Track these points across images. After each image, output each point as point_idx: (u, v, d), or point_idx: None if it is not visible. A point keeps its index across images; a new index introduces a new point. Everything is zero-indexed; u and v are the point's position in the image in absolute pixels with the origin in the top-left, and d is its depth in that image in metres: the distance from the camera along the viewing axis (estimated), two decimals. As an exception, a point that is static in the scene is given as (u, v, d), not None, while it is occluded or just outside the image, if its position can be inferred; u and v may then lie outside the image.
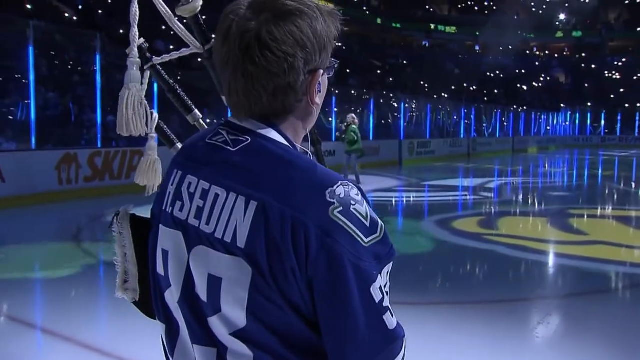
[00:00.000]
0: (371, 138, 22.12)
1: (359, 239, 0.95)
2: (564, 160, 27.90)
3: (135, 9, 1.16)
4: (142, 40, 1.26)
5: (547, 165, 24.41)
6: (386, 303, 0.98)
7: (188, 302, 1.03)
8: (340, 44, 36.58)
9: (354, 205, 0.96)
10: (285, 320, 0.97)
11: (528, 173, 20.65)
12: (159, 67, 1.35)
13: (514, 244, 7.80)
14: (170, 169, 1.11)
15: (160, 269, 1.09)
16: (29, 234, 8.18)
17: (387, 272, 1.01)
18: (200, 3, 1.22)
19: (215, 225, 0.99)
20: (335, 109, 21.01)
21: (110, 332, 4.51)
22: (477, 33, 54.74)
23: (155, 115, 1.35)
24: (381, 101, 26.25)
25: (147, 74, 1.31)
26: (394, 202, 12.94)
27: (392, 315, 1.00)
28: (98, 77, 12.51)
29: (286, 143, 1.03)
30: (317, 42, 1.01)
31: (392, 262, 1.01)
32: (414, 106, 28.53)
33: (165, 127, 1.42)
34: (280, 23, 0.97)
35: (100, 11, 18.48)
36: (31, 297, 5.49)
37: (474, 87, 45.23)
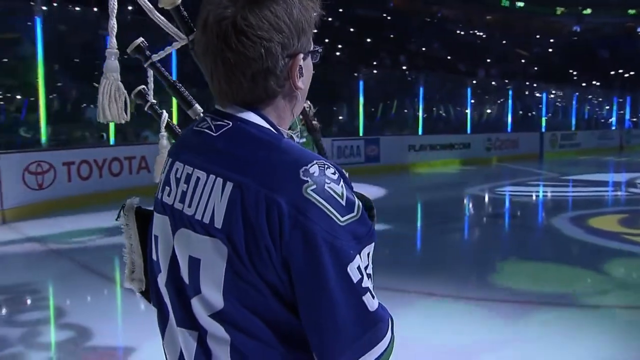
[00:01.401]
0: (509, 130, 21.17)
1: (334, 217, 0.94)
2: None
3: (113, 1, 1.21)
4: (141, 39, 1.32)
5: None
6: (366, 284, 0.96)
7: (173, 285, 1.06)
8: (480, 33, 35.34)
9: (329, 184, 0.95)
10: (262, 302, 0.97)
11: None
12: (157, 64, 1.39)
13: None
14: (166, 159, 1.15)
15: (154, 255, 1.13)
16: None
17: (368, 254, 0.99)
18: None
19: (195, 208, 1.01)
20: (472, 100, 20.37)
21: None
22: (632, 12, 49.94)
23: (165, 114, 1.40)
24: (526, 93, 25.00)
25: (151, 72, 1.36)
26: (529, 197, 12.31)
27: (374, 297, 0.98)
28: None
29: (267, 126, 1.04)
30: (294, 26, 1.01)
31: (372, 244, 1.00)
32: (559, 96, 26.82)
33: (174, 125, 1.46)
34: (255, 9, 0.98)
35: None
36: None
37: (631, 74, 41.43)
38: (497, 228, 9.06)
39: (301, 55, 1.04)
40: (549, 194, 12.82)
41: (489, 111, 22.47)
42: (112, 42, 1.22)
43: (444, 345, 4.11)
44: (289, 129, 1.15)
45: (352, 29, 26.19)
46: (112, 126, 10.27)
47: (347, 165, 14.34)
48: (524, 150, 20.21)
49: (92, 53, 10.29)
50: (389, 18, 29.85)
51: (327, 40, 21.72)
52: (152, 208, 1.19)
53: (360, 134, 15.81)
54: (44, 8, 9.28)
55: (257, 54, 0.98)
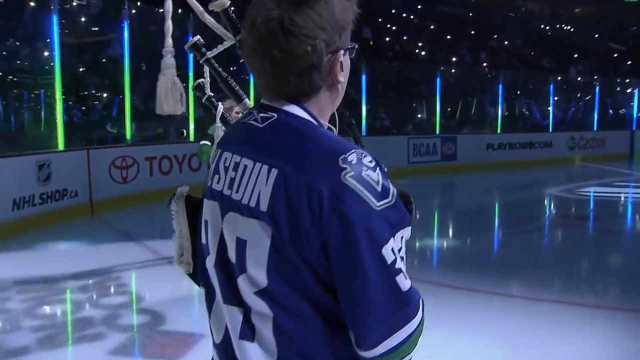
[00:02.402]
0: (595, 128, 20.21)
1: (369, 202, 1.00)
2: None
3: (169, 4, 1.28)
4: (198, 37, 1.40)
5: None
6: (399, 265, 1.03)
7: (221, 265, 1.14)
8: (568, 27, 33.86)
9: (366, 171, 1.02)
10: (302, 281, 1.04)
11: None
12: (212, 60, 1.47)
13: None
14: (216, 149, 1.25)
15: (203, 238, 1.21)
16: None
17: (402, 237, 1.05)
18: None
19: (242, 193, 1.09)
20: (555, 98, 19.60)
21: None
22: None
23: (221, 106, 1.48)
24: (617, 90, 23.74)
25: (207, 67, 1.45)
26: (617, 199, 11.73)
27: (406, 278, 1.04)
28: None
29: (309, 118, 1.12)
30: (335, 25, 1.08)
31: (407, 228, 1.06)
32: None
33: (229, 117, 1.54)
34: (300, 9, 1.05)
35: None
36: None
37: None
38: (578, 230, 8.71)
39: (342, 52, 1.12)
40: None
41: (573, 109, 21.54)
42: (168, 41, 1.32)
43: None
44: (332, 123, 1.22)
45: (432, 26, 25.83)
46: (191, 123, 10.67)
47: (423, 164, 14.31)
48: (612, 150, 19.22)
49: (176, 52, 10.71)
50: (470, 14, 29.20)
51: (405, 38, 21.55)
52: (201, 196, 1.28)
53: (437, 132, 15.60)
54: (133, 11, 9.78)
55: (304, 51, 1.06)
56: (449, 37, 25.61)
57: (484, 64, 22.30)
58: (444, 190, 13.33)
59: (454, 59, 22.06)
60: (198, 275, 1.27)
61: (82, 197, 8.32)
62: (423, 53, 21.51)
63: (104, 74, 10.95)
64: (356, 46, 1.17)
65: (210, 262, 1.18)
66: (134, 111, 9.92)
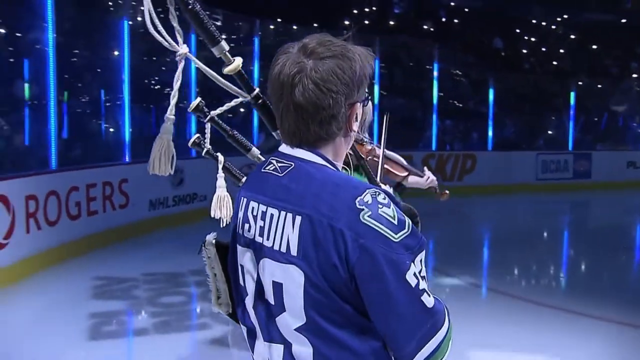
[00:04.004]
0: None
1: (389, 236, 1.13)
2: None
3: (179, 72, 1.37)
4: (199, 99, 1.53)
5: None
6: (422, 286, 1.16)
7: (260, 307, 1.25)
8: None
9: (382, 208, 1.14)
10: (337, 311, 1.16)
11: None
12: (217, 118, 1.57)
13: None
14: (237, 197, 1.35)
15: (240, 281, 1.32)
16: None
17: (421, 260, 1.17)
18: (241, 61, 1.40)
19: (273, 240, 1.20)
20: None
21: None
22: None
23: (221, 157, 1.61)
24: None
25: (208, 125, 1.58)
26: None
27: (429, 295, 1.17)
28: (435, 83, 13.37)
29: (325, 163, 1.22)
30: (356, 80, 1.21)
31: (424, 251, 1.18)
32: None
33: (231, 166, 1.66)
34: (325, 64, 1.18)
35: (455, 20, 19.36)
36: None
37: None
38: None
39: (359, 104, 1.25)
40: None
41: None
42: (172, 109, 1.39)
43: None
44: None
45: (573, 36, 24.47)
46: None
47: (552, 181, 13.65)
48: None
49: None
50: (622, 20, 27.21)
51: (544, 49, 20.63)
52: (228, 241, 1.38)
53: (570, 148, 14.83)
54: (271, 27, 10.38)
55: (326, 103, 1.18)
56: (594, 46, 24.11)
57: (634, 75, 20.73)
58: (576, 209, 12.64)
59: (597, 71, 20.77)
60: (238, 314, 1.36)
61: (210, 201, 9.03)
62: (562, 64, 20.48)
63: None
64: (369, 97, 1.33)
65: (249, 303, 1.29)
66: (260, 122, 10.60)
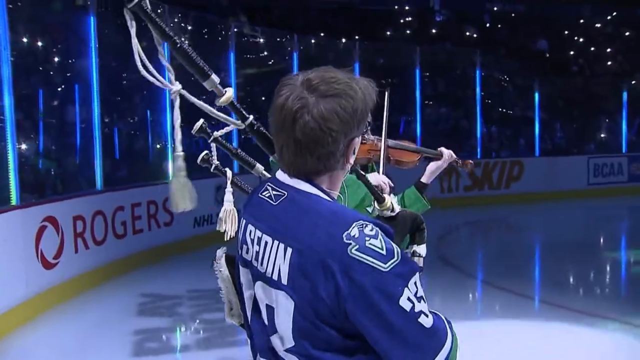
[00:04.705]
0: None
1: (378, 267, 1.15)
2: None
3: (176, 110, 1.38)
4: (202, 120, 1.54)
5: None
6: (418, 308, 1.17)
7: (257, 324, 1.31)
8: None
9: (369, 240, 1.16)
10: (325, 339, 1.19)
11: None
12: (220, 138, 1.61)
13: None
14: (240, 217, 1.40)
15: (243, 297, 1.38)
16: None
17: (415, 282, 1.19)
18: (232, 92, 1.40)
19: (266, 266, 1.24)
20: None
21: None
22: None
23: (230, 173, 1.63)
24: None
25: (214, 145, 1.61)
26: None
27: (427, 316, 1.19)
28: (478, 90, 13.17)
29: (318, 193, 1.25)
30: (357, 118, 1.23)
31: (417, 273, 1.20)
32: None
33: (239, 180, 1.68)
34: (327, 104, 1.19)
35: (499, 25, 19.05)
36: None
37: None
38: None
39: (357, 139, 1.27)
40: None
41: None
42: (178, 146, 1.40)
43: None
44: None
45: (627, 33, 23.68)
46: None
47: (605, 185, 13.16)
48: None
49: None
50: (678, 16, 26.18)
51: (593, 49, 20.03)
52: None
53: (623, 151, 14.32)
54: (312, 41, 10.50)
55: (325, 140, 1.20)
56: (650, 43, 23.24)
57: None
58: (635, 214, 12.13)
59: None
60: (245, 327, 1.42)
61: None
62: (613, 64, 19.84)
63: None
64: (368, 126, 1.33)
65: (249, 319, 1.36)
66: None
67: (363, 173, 1.74)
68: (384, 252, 1.16)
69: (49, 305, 5.50)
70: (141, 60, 1.30)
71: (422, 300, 1.19)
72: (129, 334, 4.96)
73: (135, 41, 1.27)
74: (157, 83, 1.33)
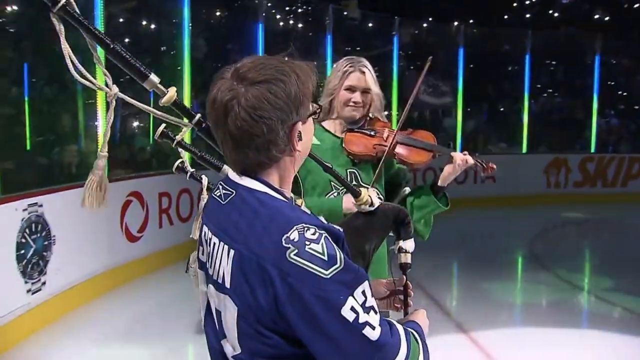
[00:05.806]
0: None
1: (318, 273, 1.07)
2: None
3: (111, 112, 1.37)
4: (164, 125, 1.51)
5: None
6: (363, 319, 1.09)
7: (210, 328, 1.29)
8: None
9: (309, 244, 1.08)
10: (270, 346, 1.14)
11: None
12: (183, 141, 1.59)
13: None
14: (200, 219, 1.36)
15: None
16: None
17: (363, 291, 1.11)
18: (175, 90, 1.37)
19: (214, 269, 1.20)
20: None
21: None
22: None
23: (205, 180, 1.64)
24: None
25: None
26: None
27: (374, 328, 1.10)
28: (596, 78, 12.17)
29: (267, 190, 1.18)
30: (292, 102, 1.15)
31: (365, 282, 1.12)
32: None
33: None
34: (256, 90, 1.12)
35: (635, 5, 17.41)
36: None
37: None
38: None
39: (299, 124, 1.19)
40: None
41: None
42: (105, 146, 1.39)
43: None
44: None
45: None
46: (458, 136, 10.74)
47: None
48: None
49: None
50: None
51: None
52: None
53: None
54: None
55: (259, 130, 1.14)
56: None
57: None
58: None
59: None
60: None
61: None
62: None
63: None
64: (317, 109, 1.24)
65: (203, 323, 1.33)
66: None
67: (338, 174, 1.70)
68: (325, 258, 1.08)
69: (130, 277, 5.84)
70: (73, 64, 1.28)
71: (370, 311, 1.10)
72: (197, 311, 5.11)
73: (65, 45, 1.25)
74: (92, 86, 1.32)
